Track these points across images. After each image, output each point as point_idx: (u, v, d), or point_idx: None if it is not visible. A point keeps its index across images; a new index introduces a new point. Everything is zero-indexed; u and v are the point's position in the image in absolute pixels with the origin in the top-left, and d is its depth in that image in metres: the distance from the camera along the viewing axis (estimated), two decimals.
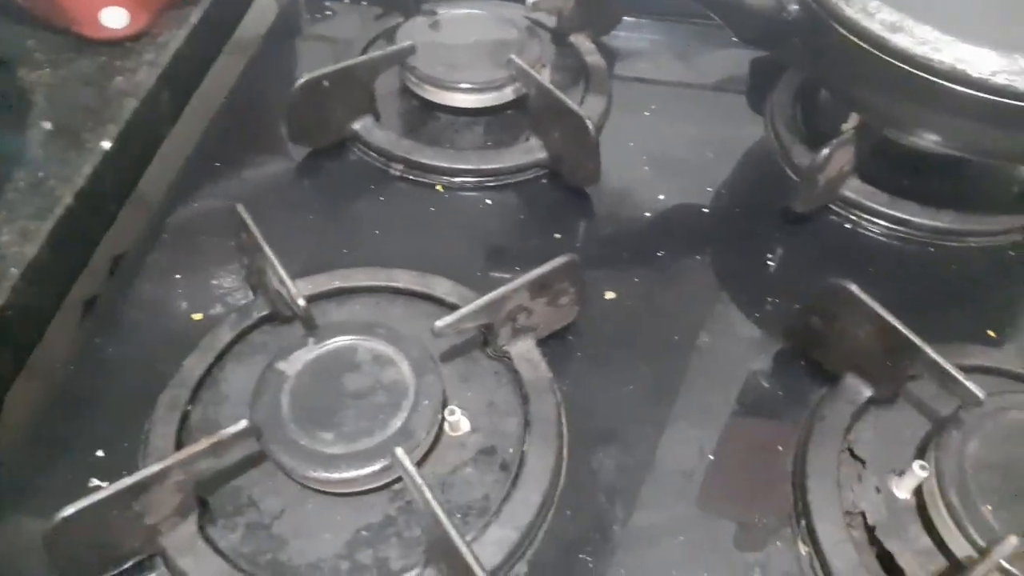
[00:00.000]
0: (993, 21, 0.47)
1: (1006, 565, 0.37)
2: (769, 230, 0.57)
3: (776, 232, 0.57)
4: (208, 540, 0.40)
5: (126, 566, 0.39)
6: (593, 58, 0.67)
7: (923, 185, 0.56)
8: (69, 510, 0.36)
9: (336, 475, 0.39)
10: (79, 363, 0.49)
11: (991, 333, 0.51)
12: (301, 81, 0.56)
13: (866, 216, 0.57)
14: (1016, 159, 0.50)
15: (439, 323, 0.43)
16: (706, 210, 0.58)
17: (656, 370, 0.49)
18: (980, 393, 0.41)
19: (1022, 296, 0.54)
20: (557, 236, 0.56)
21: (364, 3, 0.75)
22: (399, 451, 0.38)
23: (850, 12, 0.48)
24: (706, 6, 0.52)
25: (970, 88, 0.46)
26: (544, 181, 0.60)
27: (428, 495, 0.37)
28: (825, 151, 0.52)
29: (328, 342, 0.44)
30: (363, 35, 0.70)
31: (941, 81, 0.46)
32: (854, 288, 0.44)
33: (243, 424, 0.39)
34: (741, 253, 0.55)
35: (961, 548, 0.39)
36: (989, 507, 0.39)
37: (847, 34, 0.49)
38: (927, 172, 0.56)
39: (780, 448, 0.45)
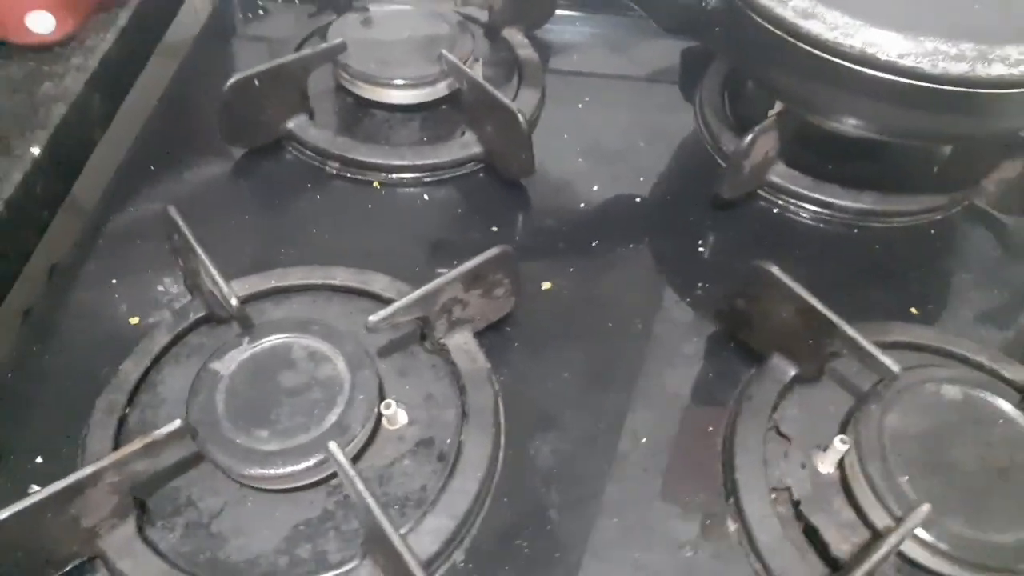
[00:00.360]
0: (903, 5, 0.48)
1: (920, 532, 0.39)
2: (700, 217, 0.58)
3: (706, 219, 0.58)
4: (147, 541, 0.40)
5: (67, 569, 0.39)
6: (526, 52, 0.67)
7: (846, 168, 0.58)
8: (3, 514, 0.36)
9: (271, 471, 0.40)
10: (16, 371, 0.48)
11: (914, 310, 0.53)
12: (232, 81, 0.56)
13: (792, 200, 0.58)
14: (927, 138, 0.52)
15: (372, 318, 0.44)
16: (639, 199, 0.59)
17: (592, 357, 0.50)
18: (895, 367, 0.42)
19: (943, 273, 0.56)
20: (494, 229, 0.57)
21: (297, 2, 0.75)
22: (332, 445, 0.39)
23: (764, 0, 0.50)
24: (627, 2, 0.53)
25: (880, 71, 0.47)
26: (481, 175, 0.60)
27: (360, 487, 0.38)
28: (748, 138, 0.54)
29: (262, 341, 0.44)
30: (297, 33, 0.69)
31: (852, 65, 0.48)
32: (775, 270, 0.46)
33: (176, 424, 0.39)
34: (673, 240, 0.57)
35: (880, 518, 0.40)
36: (906, 477, 0.41)
37: (762, 22, 0.50)
38: (850, 155, 0.58)
39: (711, 429, 0.47)
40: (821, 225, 0.58)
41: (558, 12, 0.73)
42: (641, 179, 0.60)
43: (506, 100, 0.56)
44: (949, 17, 0.47)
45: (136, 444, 0.39)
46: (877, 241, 0.57)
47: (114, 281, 0.53)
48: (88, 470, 0.38)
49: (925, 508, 0.38)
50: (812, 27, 0.48)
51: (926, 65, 0.46)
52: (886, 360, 0.43)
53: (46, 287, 0.53)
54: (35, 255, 0.54)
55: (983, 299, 0.54)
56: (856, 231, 0.57)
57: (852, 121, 0.52)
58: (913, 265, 0.56)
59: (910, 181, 0.58)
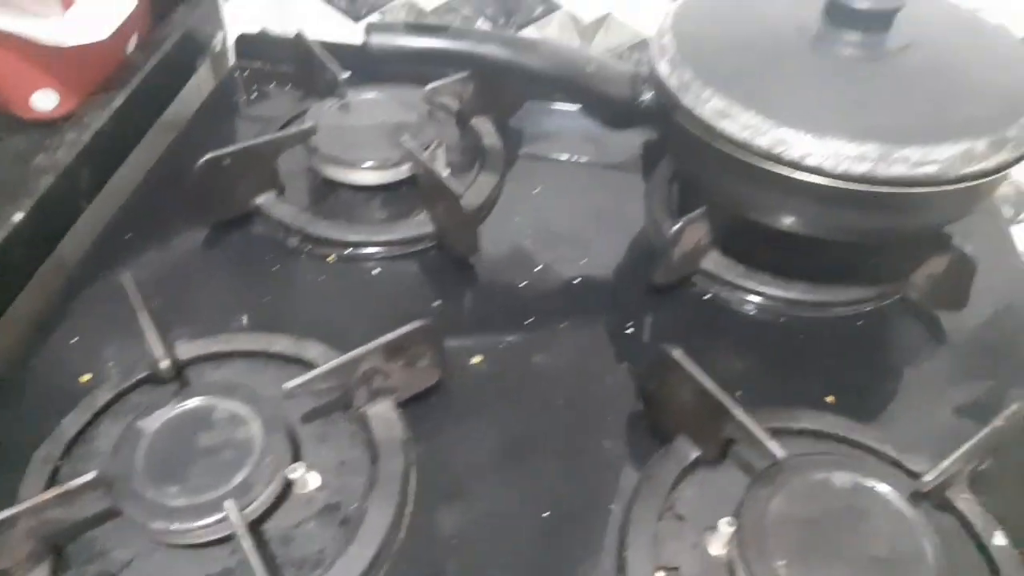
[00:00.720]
0: (815, 106, 0.51)
1: None
2: (634, 300, 0.60)
3: (641, 302, 0.60)
4: None
5: None
6: (491, 140, 0.71)
7: (779, 258, 0.60)
8: None
9: (174, 526, 0.42)
10: None
11: (830, 399, 0.54)
12: (203, 160, 0.61)
13: (724, 288, 0.60)
14: (841, 235, 0.54)
15: (287, 384, 0.47)
16: (577, 280, 0.62)
17: (511, 431, 0.52)
18: (779, 452, 0.44)
19: (866, 365, 0.57)
20: (436, 304, 0.60)
21: (288, 88, 0.80)
22: (228, 503, 0.42)
23: (686, 100, 0.53)
24: (567, 95, 0.57)
25: (788, 169, 0.50)
26: (432, 253, 0.64)
27: (247, 545, 0.40)
28: (676, 227, 0.56)
29: (188, 402, 0.48)
30: (284, 114, 0.75)
31: (763, 163, 0.50)
32: (676, 354, 0.48)
33: (91, 476, 0.43)
34: (605, 321, 0.59)
35: None
36: (783, 562, 0.42)
37: (683, 121, 0.53)
38: (783, 246, 0.59)
39: (612, 506, 0.48)
40: (751, 312, 0.60)
41: (533, 102, 0.77)
42: (583, 262, 0.63)
43: (451, 185, 0.59)
44: (857, 118, 0.50)
45: (50, 493, 0.42)
46: (804, 330, 0.58)
47: (75, 340, 0.57)
48: (3, 514, 0.41)
49: None
50: (727, 126, 0.51)
51: (828, 165, 0.49)
52: (771, 445, 0.44)
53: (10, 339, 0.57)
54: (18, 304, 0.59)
55: (901, 391, 0.55)
56: (784, 320, 0.59)
57: (769, 217, 0.54)
58: (836, 355, 0.57)
59: (842, 273, 0.60)
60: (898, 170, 0.48)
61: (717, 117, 0.52)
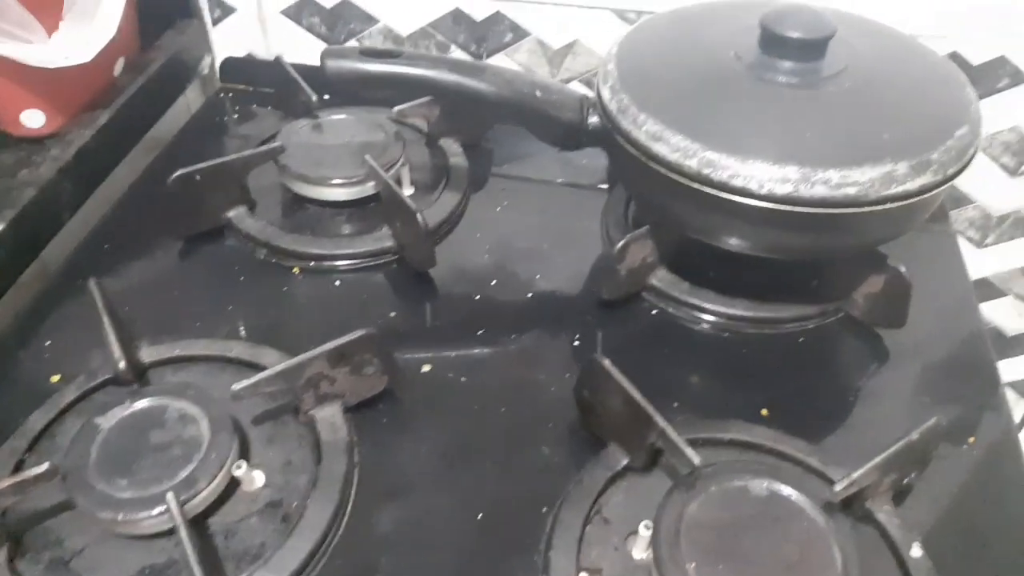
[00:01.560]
0: (743, 131, 0.53)
1: None
2: (584, 315, 0.63)
3: (590, 317, 0.62)
4: (14, 571, 0.45)
5: None
6: (456, 159, 0.74)
7: (724, 275, 0.62)
8: None
9: (120, 516, 0.45)
10: None
11: (764, 412, 0.56)
12: (174, 176, 0.64)
13: (671, 304, 0.62)
14: (772, 253, 0.56)
15: (235, 386, 0.49)
16: (530, 295, 0.64)
17: (454, 437, 0.54)
18: (695, 459, 0.46)
19: (805, 380, 0.59)
20: (392, 314, 0.63)
21: (269, 108, 0.84)
22: (169, 496, 0.44)
23: (624, 124, 0.55)
24: (518, 119, 0.60)
25: (716, 190, 0.52)
26: (394, 266, 0.67)
27: (183, 534, 0.43)
28: (621, 243, 0.59)
29: (141, 401, 0.50)
30: (263, 133, 0.78)
31: (692, 184, 0.53)
32: (606, 363, 0.50)
33: (44, 467, 0.45)
34: (553, 334, 0.61)
35: None
36: (693, 564, 0.44)
37: (623, 143, 0.56)
38: (729, 263, 0.61)
39: (544, 510, 0.50)
40: (696, 328, 0.62)
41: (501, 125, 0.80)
42: (538, 277, 0.66)
43: (409, 202, 0.62)
44: (782, 142, 0.52)
45: (5, 481, 0.45)
46: (747, 346, 0.61)
47: (48, 343, 0.60)
48: None
49: None
50: (659, 149, 0.53)
51: (753, 186, 0.51)
52: (688, 452, 0.46)
53: None
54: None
55: (836, 406, 0.57)
56: (728, 335, 0.61)
57: (705, 236, 0.56)
58: (777, 370, 0.59)
59: (784, 291, 0.62)
60: (819, 191, 0.51)
61: (651, 140, 0.54)
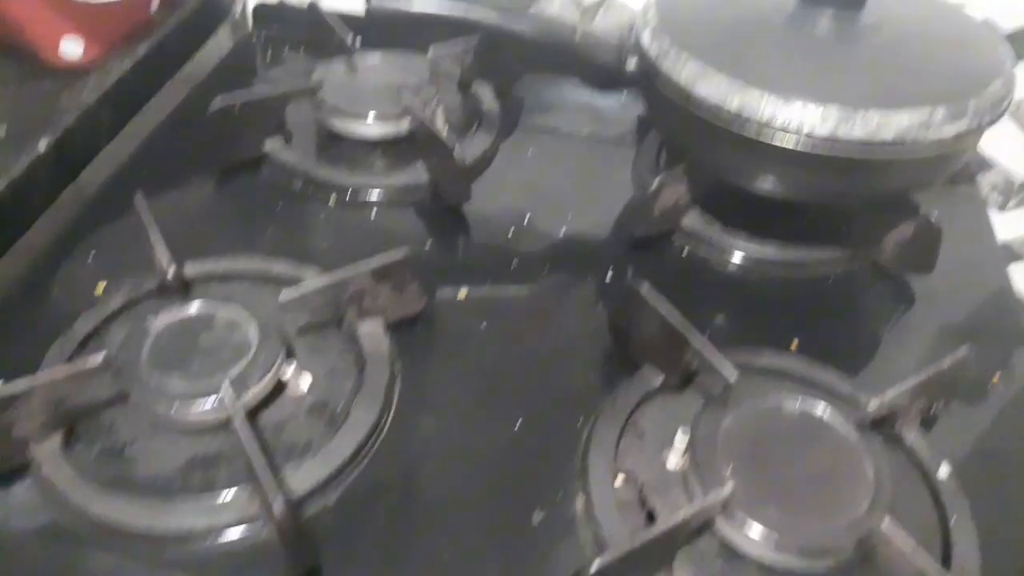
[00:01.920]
0: (784, 70, 0.55)
1: (734, 517, 0.43)
2: (615, 253, 0.64)
3: (620, 255, 0.64)
4: (69, 456, 0.47)
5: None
6: (489, 104, 0.76)
7: (756, 218, 0.64)
8: None
9: (175, 407, 0.46)
10: None
11: (793, 347, 0.58)
12: (216, 106, 0.65)
13: (702, 245, 0.64)
14: (804, 197, 0.58)
15: (283, 296, 0.51)
16: (563, 231, 0.66)
17: (490, 358, 0.56)
18: (732, 374, 0.48)
19: (833, 319, 0.61)
20: (427, 247, 0.64)
21: (300, 52, 0.85)
22: (225, 384, 0.46)
23: (664, 66, 0.57)
24: (557, 64, 0.61)
25: (756, 130, 0.54)
26: (427, 202, 0.68)
27: (240, 421, 0.44)
28: (655, 184, 0.60)
29: (191, 305, 0.52)
30: (295, 77, 0.79)
31: (730, 127, 0.54)
32: (643, 289, 0.52)
33: (99, 359, 0.46)
34: (586, 268, 0.63)
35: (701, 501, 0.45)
36: (730, 468, 0.45)
37: (661, 86, 0.57)
38: (761, 207, 0.63)
39: (580, 423, 0.52)
40: (726, 268, 0.64)
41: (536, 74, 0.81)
42: (570, 217, 0.67)
43: (445, 137, 0.63)
44: (822, 84, 0.54)
45: (62, 370, 0.46)
46: (776, 287, 0.62)
47: (93, 252, 0.61)
48: (20, 386, 0.45)
49: (730, 485, 0.43)
50: (699, 90, 0.55)
51: (793, 126, 0.53)
52: (725, 367, 0.48)
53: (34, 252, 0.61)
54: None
55: (864, 343, 0.59)
56: (757, 277, 0.63)
57: (740, 178, 0.58)
58: (805, 310, 0.61)
59: (815, 235, 0.64)
60: (858, 133, 0.52)
61: (692, 80, 0.56)
